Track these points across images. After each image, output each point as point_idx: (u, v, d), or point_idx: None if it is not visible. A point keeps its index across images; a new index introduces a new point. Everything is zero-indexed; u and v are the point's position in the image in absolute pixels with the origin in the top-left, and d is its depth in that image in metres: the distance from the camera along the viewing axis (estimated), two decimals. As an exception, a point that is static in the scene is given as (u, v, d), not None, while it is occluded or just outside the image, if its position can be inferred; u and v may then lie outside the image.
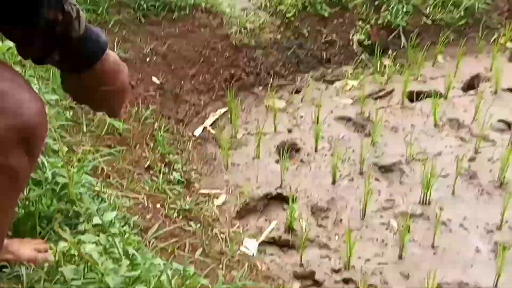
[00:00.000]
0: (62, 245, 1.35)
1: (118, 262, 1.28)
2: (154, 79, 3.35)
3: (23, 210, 1.54)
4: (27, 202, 1.56)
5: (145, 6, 3.63)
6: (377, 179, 2.89)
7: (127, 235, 1.45)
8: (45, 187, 1.60)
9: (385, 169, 2.97)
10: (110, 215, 1.60)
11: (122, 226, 1.70)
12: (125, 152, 2.52)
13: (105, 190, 2.05)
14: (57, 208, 1.58)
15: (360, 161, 2.94)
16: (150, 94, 3.21)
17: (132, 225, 1.84)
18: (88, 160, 1.89)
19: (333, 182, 2.85)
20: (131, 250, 1.33)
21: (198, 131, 3.30)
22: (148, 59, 3.43)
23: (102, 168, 2.21)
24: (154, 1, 3.68)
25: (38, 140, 1.08)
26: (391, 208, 2.69)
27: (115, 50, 3.20)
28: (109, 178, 2.20)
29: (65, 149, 1.81)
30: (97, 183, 1.98)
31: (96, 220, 1.55)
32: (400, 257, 2.42)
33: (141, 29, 3.56)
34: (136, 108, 2.94)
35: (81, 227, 1.54)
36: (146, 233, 1.95)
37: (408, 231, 2.51)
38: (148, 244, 1.89)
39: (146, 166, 2.52)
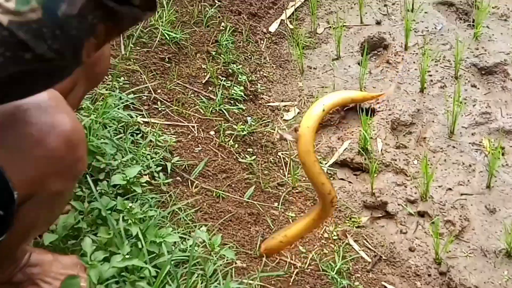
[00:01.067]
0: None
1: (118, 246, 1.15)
2: (224, -34, 2.99)
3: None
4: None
5: None
6: (474, 85, 2.45)
7: (145, 207, 1.29)
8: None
9: (486, 72, 2.51)
10: (133, 171, 1.45)
11: (153, 178, 1.55)
12: (181, 65, 2.31)
13: (149, 120, 1.91)
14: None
15: (456, 61, 2.49)
16: (217, -15, 2.88)
17: (168, 171, 1.69)
18: (116, 97, 1.71)
19: (421, 90, 2.45)
20: (134, 230, 1.18)
21: (273, 27, 2.96)
22: None
23: (149, 91, 2.05)
24: None
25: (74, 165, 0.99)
26: (486, 123, 2.29)
27: None
28: (157, 104, 2.03)
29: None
30: (137, 116, 1.83)
31: (116, 179, 1.41)
32: (488, 186, 2.08)
33: None
34: (199, 7, 2.65)
35: (100, 187, 1.42)
36: (191, 172, 1.80)
37: (502, 154, 2.14)
38: (190, 186, 1.75)
39: (204, 81, 2.30)
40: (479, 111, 2.33)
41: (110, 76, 1.92)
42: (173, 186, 1.69)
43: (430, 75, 2.51)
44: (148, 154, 1.71)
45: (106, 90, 1.78)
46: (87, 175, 1.42)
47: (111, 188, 1.42)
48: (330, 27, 2.92)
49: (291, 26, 2.95)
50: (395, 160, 2.21)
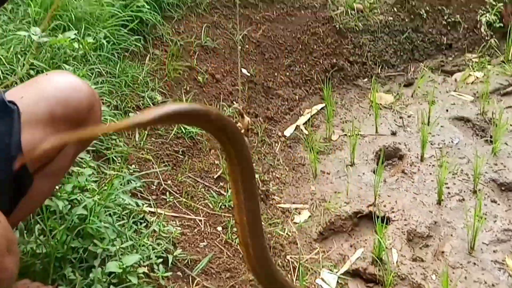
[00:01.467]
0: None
1: None
2: (244, 70, 3.06)
3: (35, 247, 1.33)
4: (42, 237, 1.36)
5: (241, -13, 3.33)
6: (494, 201, 2.36)
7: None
8: (63, 218, 1.39)
9: (506, 188, 2.44)
10: (131, 259, 1.34)
11: (152, 270, 1.44)
12: (194, 159, 2.27)
13: (155, 210, 1.82)
14: (73, 245, 1.35)
15: (474, 175, 2.43)
16: (237, 88, 2.92)
17: (169, 264, 1.57)
18: (123, 180, 1.64)
19: (439, 202, 2.37)
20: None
21: (289, 131, 2.95)
22: (239, 48, 3.14)
23: (159, 181, 1.98)
24: (252, -19, 3.36)
25: None
26: (509, 241, 2.18)
27: (202, 38, 2.95)
28: (165, 194, 1.96)
29: (90, 171, 1.57)
30: (143, 205, 1.75)
31: (111, 266, 1.31)
32: (514, 310, 1.93)
33: (234, 13, 3.27)
34: (217, 106, 2.67)
35: (93, 274, 1.31)
36: (193, 268, 1.68)
37: (529, 276, 2.00)
38: (191, 282, 1.63)
39: (216, 177, 2.24)
40: (501, 228, 2.22)
41: (119, 159, 1.88)
42: (172, 280, 1.56)
43: (448, 188, 2.44)
44: (150, 245, 1.61)
45: (114, 171, 1.72)
46: (83, 259, 1.32)
47: (105, 276, 1.31)
48: (345, 134, 2.91)
49: (306, 132, 2.94)
50: (412, 273, 2.07)
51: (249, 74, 3.05)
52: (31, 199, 1.14)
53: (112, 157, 1.88)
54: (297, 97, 3.18)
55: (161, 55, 2.68)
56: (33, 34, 1.91)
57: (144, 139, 2.14)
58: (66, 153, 1.20)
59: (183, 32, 2.92)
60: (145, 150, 2.10)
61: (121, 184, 1.67)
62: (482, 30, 3.47)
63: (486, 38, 3.46)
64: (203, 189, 2.14)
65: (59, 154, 1.18)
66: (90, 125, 1.23)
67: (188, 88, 2.65)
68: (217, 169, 2.30)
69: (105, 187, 1.59)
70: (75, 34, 2.07)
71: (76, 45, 2.05)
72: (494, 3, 3.45)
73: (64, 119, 1.16)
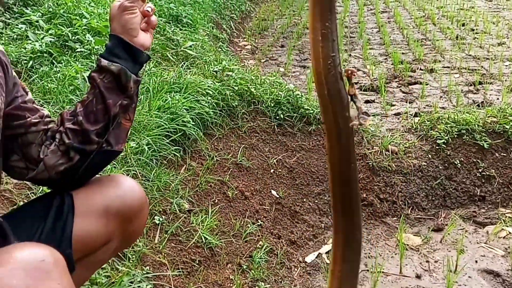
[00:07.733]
0: None
1: None
2: (273, 192, 3.13)
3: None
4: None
5: (282, 116, 3.51)
6: None
7: None
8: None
9: None
10: None
11: None
12: (209, 270, 2.27)
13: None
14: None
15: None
16: (264, 207, 2.97)
17: None
18: (134, 279, 1.66)
19: None
20: None
21: (310, 258, 2.93)
22: (272, 171, 3.24)
23: (170, 287, 1.98)
24: (292, 112, 3.55)
25: None
26: None
27: (238, 157, 3.07)
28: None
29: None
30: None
31: None
32: None
33: (272, 138, 3.42)
34: (242, 222, 2.71)
35: None
36: None
37: None
38: None
39: (229, 292, 2.22)
40: None
41: (134, 258, 1.90)
42: None
43: None
44: None
45: (126, 268, 1.74)
46: None
47: None
48: (367, 270, 2.85)
49: (328, 261, 2.90)
50: None
51: (277, 196, 3.11)
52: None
53: (128, 255, 1.91)
54: (323, 225, 3.18)
55: (197, 167, 2.80)
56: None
57: (164, 243, 2.18)
58: (108, 247, 1.25)
59: (221, 149, 3.06)
60: (163, 254, 2.12)
61: (131, 282, 1.69)
62: (517, 187, 3.47)
63: (521, 194, 3.44)
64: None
65: (103, 247, 1.24)
66: (137, 225, 1.32)
67: (216, 201, 2.72)
68: (231, 284, 2.28)
69: (115, 283, 1.61)
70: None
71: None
72: (530, 161, 3.49)
73: (117, 214, 1.26)
